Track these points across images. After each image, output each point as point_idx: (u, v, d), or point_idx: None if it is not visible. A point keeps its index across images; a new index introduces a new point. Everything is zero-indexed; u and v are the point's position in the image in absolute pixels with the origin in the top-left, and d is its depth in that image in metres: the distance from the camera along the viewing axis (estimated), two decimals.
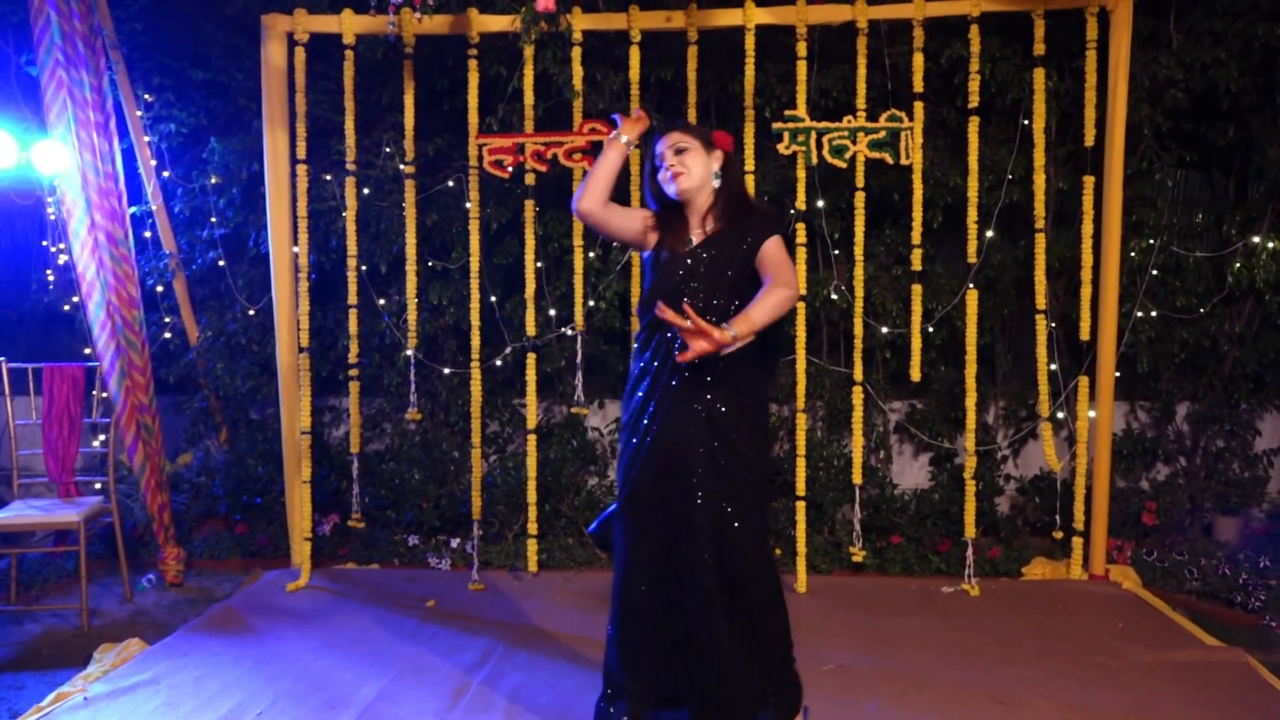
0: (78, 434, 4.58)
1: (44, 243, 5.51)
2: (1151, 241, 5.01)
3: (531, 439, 4.73)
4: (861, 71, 4.46)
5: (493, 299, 5.12)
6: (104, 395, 4.61)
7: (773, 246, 2.75)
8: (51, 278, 5.50)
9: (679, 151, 2.82)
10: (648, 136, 3.10)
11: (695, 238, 2.84)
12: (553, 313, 5.11)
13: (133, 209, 5.02)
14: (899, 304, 5.01)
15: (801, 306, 4.58)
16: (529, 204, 4.67)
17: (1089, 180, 4.49)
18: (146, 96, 5.25)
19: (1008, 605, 4.34)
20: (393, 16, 4.01)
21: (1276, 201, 5.04)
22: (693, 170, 2.81)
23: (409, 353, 4.82)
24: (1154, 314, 5.05)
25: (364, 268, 4.94)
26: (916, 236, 4.55)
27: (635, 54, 4.55)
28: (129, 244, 4.69)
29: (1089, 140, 4.46)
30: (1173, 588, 4.57)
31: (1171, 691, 3.43)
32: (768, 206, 3.01)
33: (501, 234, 5.23)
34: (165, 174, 5.36)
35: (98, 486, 4.80)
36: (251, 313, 5.38)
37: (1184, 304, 5.05)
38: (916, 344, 4.61)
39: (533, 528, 4.75)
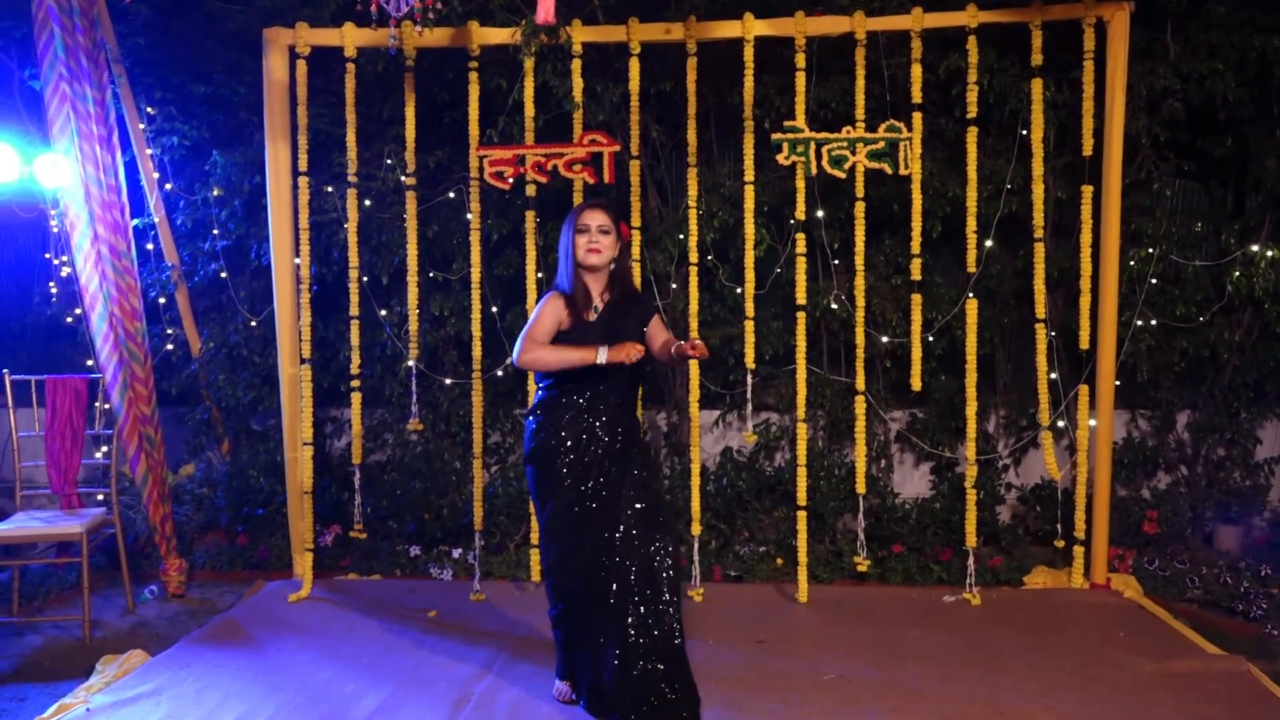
0: (80, 446, 4.59)
1: (47, 255, 5.53)
2: (1150, 251, 5.02)
3: None
4: (860, 83, 4.49)
5: (494, 310, 5.13)
6: (106, 407, 4.62)
7: (659, 320, 3.48)
8: (54, 290, 5.52)
9: (603, 231, 3.32)
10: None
11: (599, 304, 3.35)
12: None
13: (135, 221, 5.04)
14: (899, 314, 5.03)
15: (801, 317, 4.59)
16: (530, 215, 4.70)
17: (1087, 190, 4.51)
18: (149, 110, 5.28)
19: (1009, 615, 4.34)
20: (394, 30, 4.03)
21: (1274, 211, 5.06)
22: (605, 252, 3.33)
23: (410, 363, 4.83)
24: (1153, 323, 5.06)
25: (365, 279, 4.96)
26: (916, 246, 4.56)
27: (635, 66, 4.57)
28: (131, 256, 4.71)
29: (1087, 150, 4.48)
30: (1174, 596, 4.57)
31: (1172, 702, 3.43)
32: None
33: (502, 245, 5.26)
34: (168, 186, 5.38)
35: (100, 498, 4.81)
36: (253, 324, 5.40)
37: (1183, 313, 5.06)
38: (917, 353, 4.61)
39: (534, 538, 4.75)
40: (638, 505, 3.26)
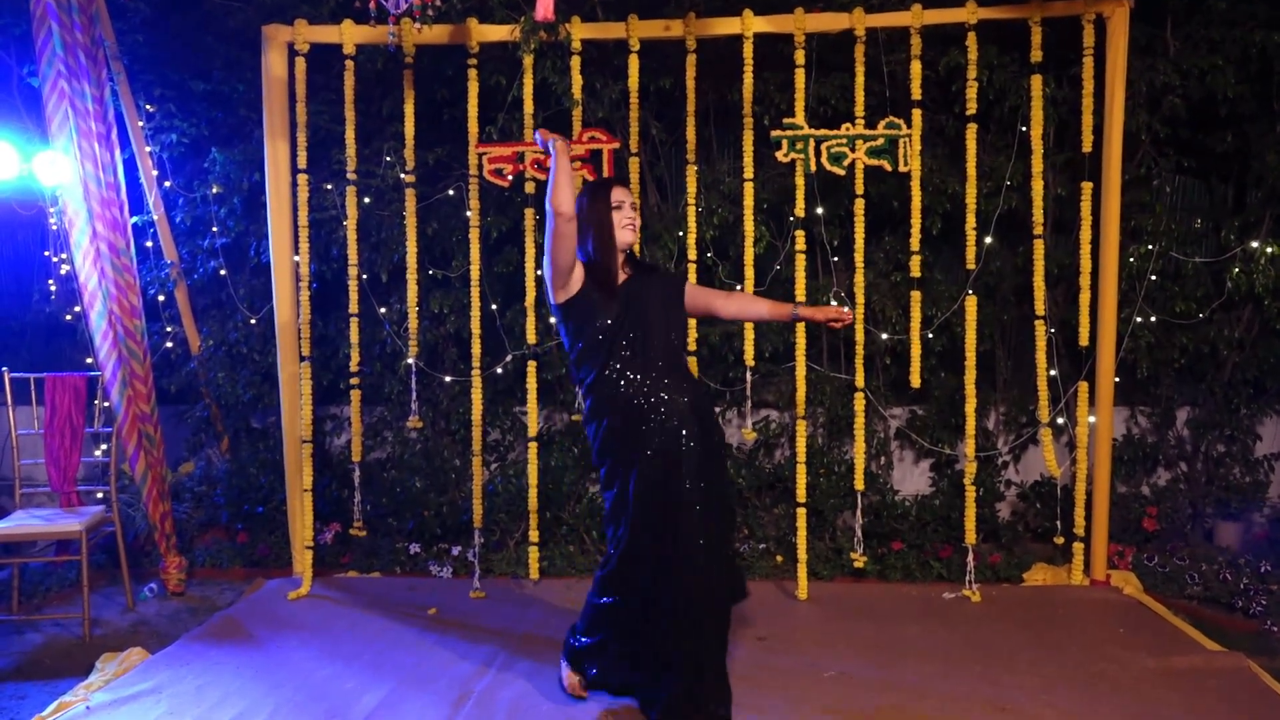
0: (79, 443, 4.58)
1: (46, 253, 5.52)
2: (1150, 247, 5.02)
3: (533, 446, 4.74)
4: (860, 79, 4.48)
5: (493, 307, 5.13)
6: (106, 405, 4.62)
7: (700, 287, 3.50)
8: (53, 288, 5.51)
9: (634, 208, 3.33)
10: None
11: (621, 277, 3.31)
12: (553, 321, 5.11)
13: (134, 219, 5.04)
14: (899, 310, 5.03)
15: None
16: (529, 212, 4.69)
17: (1087, 186, 4.50)
18: (148, 107, 5.27)
19: (1009, 611, 4.34)
20: (393, 27, 4.02)
21: (1274, 207, 5.05)
22: (638, 229, 3.35)
23: (410, 361, 4.83)
24: (1153, 319, 5.06)
25: (365, 276, 4.96)
26: (915, 243, 4.56)
27: (634, 63, 4.57)
28: (131, 254, 4.71)
29: (1087, 147, 4.47)
30: (1174, 593, 4.57)
31: (1172, 698, 3.43)
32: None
33: (502, 243, 5.25)
34: (167, 184, 5.38)
35: (99, 496, 4.80)
36: (253, 322, 5.39)
37: (1183, 309, 5.06)
38: (916, 350, 4.61)
39: (534, 535, 4.75)
40: (711, 510, 3.18)
